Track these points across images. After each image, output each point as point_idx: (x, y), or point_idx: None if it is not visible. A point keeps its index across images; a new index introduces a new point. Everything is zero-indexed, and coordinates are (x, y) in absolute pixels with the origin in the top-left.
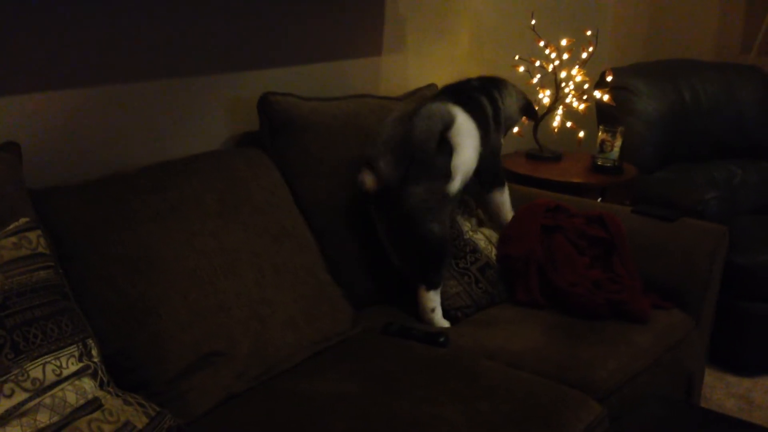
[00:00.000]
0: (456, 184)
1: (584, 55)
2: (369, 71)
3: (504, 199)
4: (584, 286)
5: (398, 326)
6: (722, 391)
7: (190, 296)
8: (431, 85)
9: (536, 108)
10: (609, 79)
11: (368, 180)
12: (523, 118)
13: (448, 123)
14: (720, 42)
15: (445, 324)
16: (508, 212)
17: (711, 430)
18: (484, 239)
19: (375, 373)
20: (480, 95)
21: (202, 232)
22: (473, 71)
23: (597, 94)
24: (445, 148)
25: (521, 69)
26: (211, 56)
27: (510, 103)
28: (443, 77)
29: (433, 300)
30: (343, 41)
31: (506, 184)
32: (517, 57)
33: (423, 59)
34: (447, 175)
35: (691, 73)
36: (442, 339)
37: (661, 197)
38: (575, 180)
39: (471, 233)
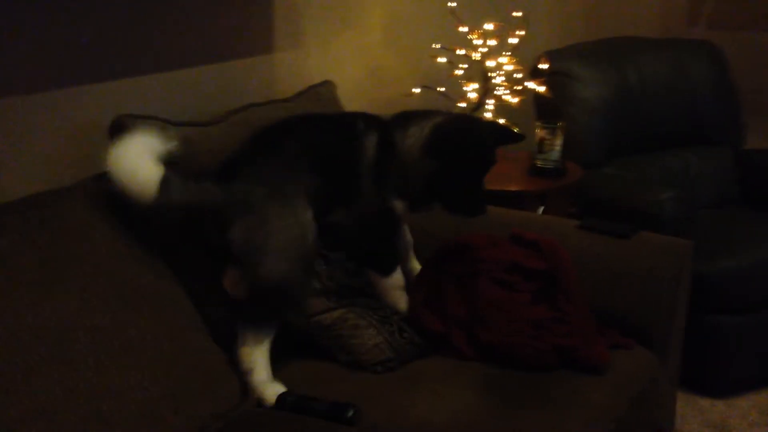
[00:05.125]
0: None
1: (514, 41)
2: (260, 72)
3: (387, 286)
4: (524, 333)
5: (295, 398)
6: (696, 420)
7: None
8: (326, 82)
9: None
10: (544, 66)
11: None
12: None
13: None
14: (666, 15)
15: (272, 399)
16: (397, 301)
17: None
18: None
19: None
20: (367, 132)
21: (13, 309)
22: (387, 63)
23: (531, 84)
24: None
25: (442, 59)
26: (44, 66)
27: (408, 145)
28: (353, 72)
29: (251, 360)
30: (222, 38)
31: (398, 272)
32: (437, 45)
33: (326, 53)
34: (264, 201)
35: (636, 51)
36: (350, 413)
37: (611, 200)
38: (512, 188)
39: None
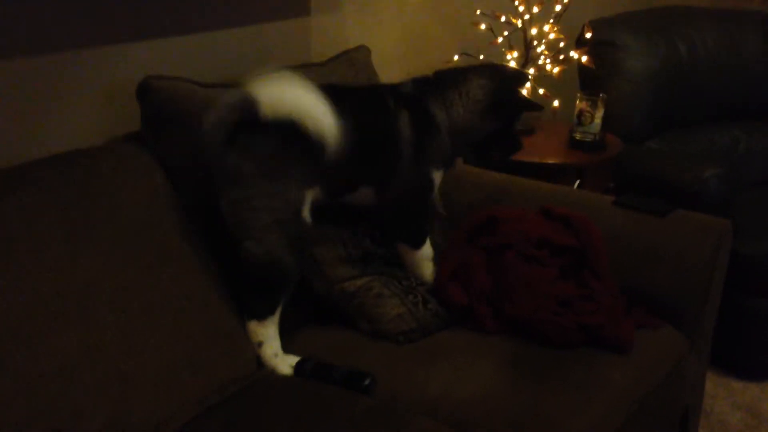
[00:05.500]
0: None
1: (558, 8)
2: (295, 36)
3: (417, 258)
4: (548, 309)
5: (313, 364)
6: (726, 402)
7: (14, 360)
8: (361, 47)
9: (522, 90)
10: (588, 35)
11: None
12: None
13: (246, 111)
14: None
15: (286, 371)
16: (425, 272)
17: None
18: None
19: None
20: (399, 110)
21: (37, 267)
22: (427, 29)
23: (574, 54)
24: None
25: (483, 27)
26: (73, 26)
27: (458, 113)
28: (391, 38)
29: (259, 333)
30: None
31: (428, 243)
32: (478, 12)
33: (364, 17)
34: (252, 178)
35: (687, 22)
36: (366, 382)
37: (651, 175)
38: (549, 160)
39: None
